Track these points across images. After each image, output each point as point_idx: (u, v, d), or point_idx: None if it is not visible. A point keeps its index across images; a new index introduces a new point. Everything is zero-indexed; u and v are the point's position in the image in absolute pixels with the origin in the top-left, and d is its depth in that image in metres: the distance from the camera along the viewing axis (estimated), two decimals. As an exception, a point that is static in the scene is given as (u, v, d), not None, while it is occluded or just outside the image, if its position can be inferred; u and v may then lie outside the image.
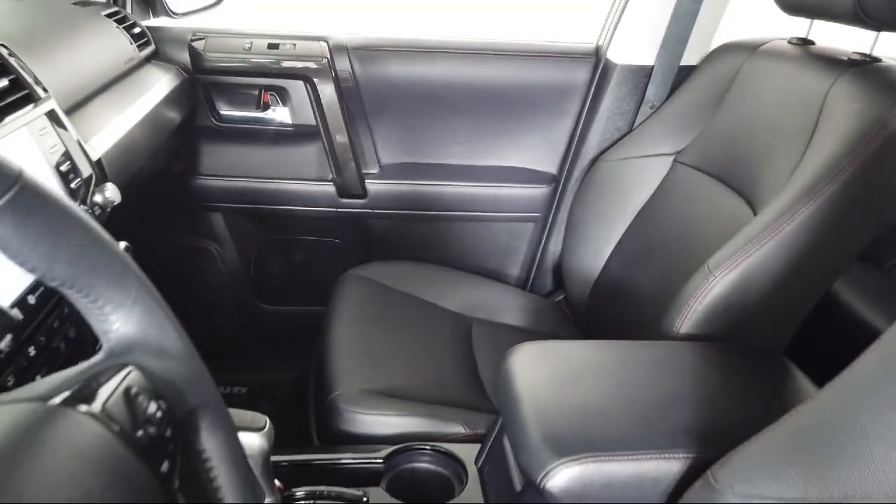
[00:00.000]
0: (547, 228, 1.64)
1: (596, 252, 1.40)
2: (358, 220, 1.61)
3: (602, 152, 1.48)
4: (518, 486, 0.83)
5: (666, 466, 0.73)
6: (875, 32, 1.00)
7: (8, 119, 0.71)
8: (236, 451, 0.49)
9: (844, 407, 0.57)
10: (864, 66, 1.02)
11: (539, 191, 1.60)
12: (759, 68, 1.20)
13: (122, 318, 0.43)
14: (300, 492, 0.87)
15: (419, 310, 1.39)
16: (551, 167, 1.61)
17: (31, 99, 0.77)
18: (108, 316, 0.42)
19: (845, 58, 1.06)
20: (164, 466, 0.40)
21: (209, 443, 0.47)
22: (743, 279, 0.95)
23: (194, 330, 0.48)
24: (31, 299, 0.69)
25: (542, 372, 0.85)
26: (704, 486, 0.65)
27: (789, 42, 1.20)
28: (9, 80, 0.75)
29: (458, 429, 1.05)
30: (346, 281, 1.42)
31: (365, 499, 0.90)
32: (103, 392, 0.39)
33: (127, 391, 0.40)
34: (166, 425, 0.42)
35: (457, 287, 1.48)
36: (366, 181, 1.56)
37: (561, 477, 0.72)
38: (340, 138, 1.52)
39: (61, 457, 0.34)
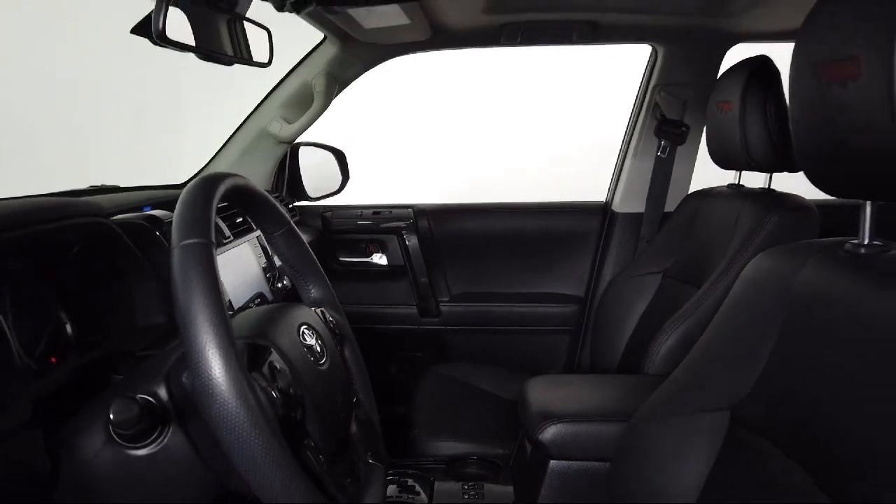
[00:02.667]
0: (581, 339, 2.12)
1: (613, 350, 1.85)
2: (433, 335, 2.16)
3: (615, 277, 2.00)
4: (528, 454, 1.27)
5: (615, 428, 1.17)
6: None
7: (246, 237, 1.36)
8: (363, 367, 1.02)
9: (691, 362, 1.04)
10: (761, 195, 1.54)
11: (569, 309, 2.11)
12: (708, 206, 1.73)
13: (315, 289, 1.00)
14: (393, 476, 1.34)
15: (482, 394, 1.87)
16: (578, 291, 2.14)
17: (251, 229, 1.43)
18: (311, 288, 1.00)
19: (752, 191, 1.58)
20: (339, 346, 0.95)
21: (350, 357, 1.01)
22: (685, 334, 1.41)
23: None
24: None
25: (545, 385, 1.33)
26: (628, 425, 1.10)
27: (727, 187, 1.74)
28: (242, 219, 1.41)
29: (499, 450, 1.50)
30: (427, 374, 1.93)
31: (432, 478, 1.35)
32: (314, 308, 0.95)
33: (322, 311, 0.96)
34: (336, 330, 0.97)
35: (512, 382, 1.94)
36: (440, 304, 2.14)
37: (548, 432, 1.18)
38: (421, 274, 2.13)
39: (302, 314, 0.89)
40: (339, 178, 2.28)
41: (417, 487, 1.31)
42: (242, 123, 1.94)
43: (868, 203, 0.83)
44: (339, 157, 2.27)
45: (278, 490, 0.62)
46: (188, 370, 0.72)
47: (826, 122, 0.76)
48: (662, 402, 1.05)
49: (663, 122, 1.96)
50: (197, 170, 1.96)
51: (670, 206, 2.00)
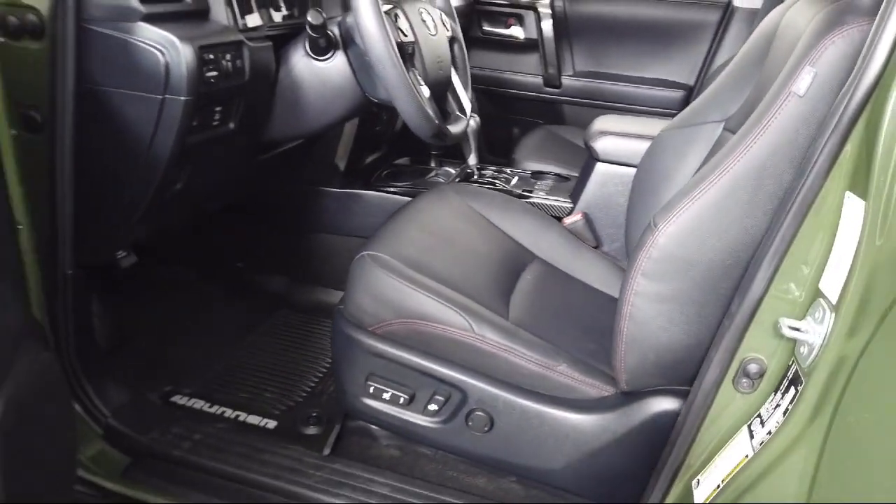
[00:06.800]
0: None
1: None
2: (552, 104, 2.55)
3: (720, 65, 2.20)
4: (585, 165, 1.70)
5: (647, 144, 1.54)
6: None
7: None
8: (465, 55, 1.47)
9: (707, 93, 1.37)
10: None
11: (677, 94, 2.39)
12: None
13: None
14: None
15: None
16: (688, 79, 2.38)
17: None
18: None
19: None
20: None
21: (457, 52, 1.46)
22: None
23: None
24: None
25: (609, 117, 1.71)
26: (654, 138, 1.47)
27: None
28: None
29: (573, 173, 1.92)
30: (537, 129, 2.34)
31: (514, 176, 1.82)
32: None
33: (441, 14, 1.40)
34: (448, 27, 1.41)
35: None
36: (562, 77, 2.50)
37: (599, 141, 1.58)
38: (550, 48, 2.47)
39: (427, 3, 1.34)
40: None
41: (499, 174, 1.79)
42: None
43: None
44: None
45: (396, 79, 1.11)
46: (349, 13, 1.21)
47: None
48: (681, 119, 1.41)
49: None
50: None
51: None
